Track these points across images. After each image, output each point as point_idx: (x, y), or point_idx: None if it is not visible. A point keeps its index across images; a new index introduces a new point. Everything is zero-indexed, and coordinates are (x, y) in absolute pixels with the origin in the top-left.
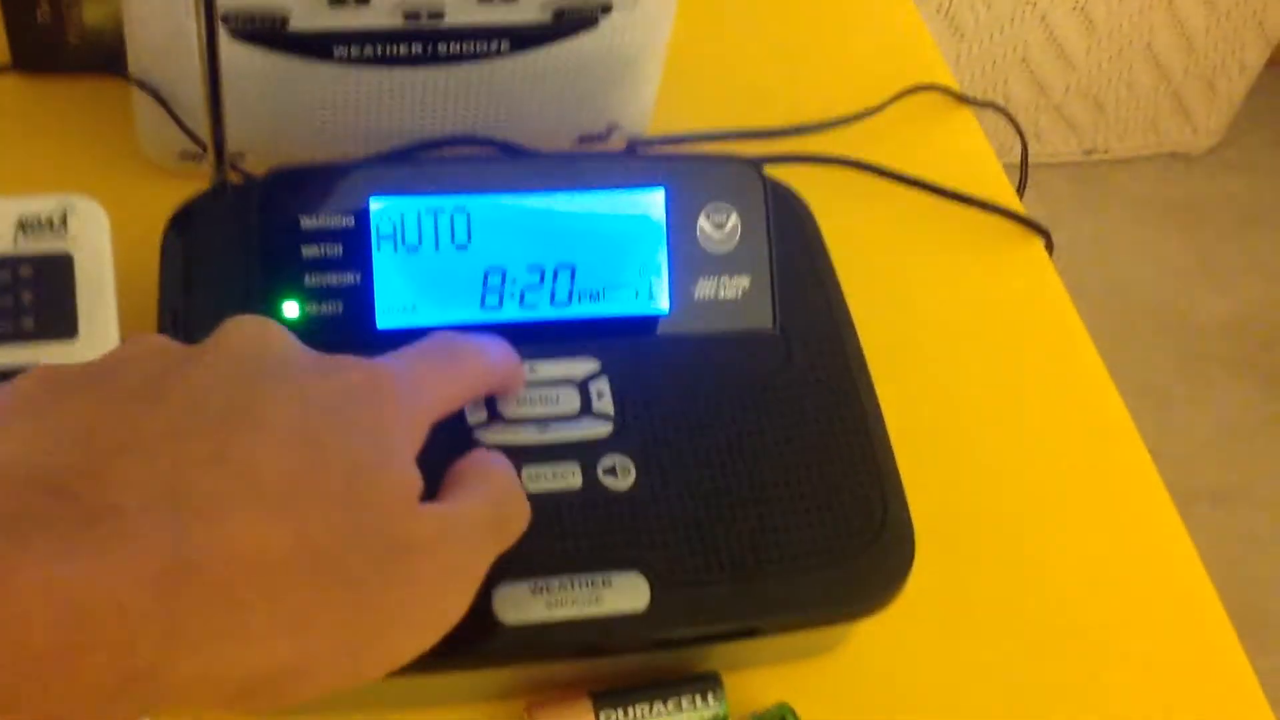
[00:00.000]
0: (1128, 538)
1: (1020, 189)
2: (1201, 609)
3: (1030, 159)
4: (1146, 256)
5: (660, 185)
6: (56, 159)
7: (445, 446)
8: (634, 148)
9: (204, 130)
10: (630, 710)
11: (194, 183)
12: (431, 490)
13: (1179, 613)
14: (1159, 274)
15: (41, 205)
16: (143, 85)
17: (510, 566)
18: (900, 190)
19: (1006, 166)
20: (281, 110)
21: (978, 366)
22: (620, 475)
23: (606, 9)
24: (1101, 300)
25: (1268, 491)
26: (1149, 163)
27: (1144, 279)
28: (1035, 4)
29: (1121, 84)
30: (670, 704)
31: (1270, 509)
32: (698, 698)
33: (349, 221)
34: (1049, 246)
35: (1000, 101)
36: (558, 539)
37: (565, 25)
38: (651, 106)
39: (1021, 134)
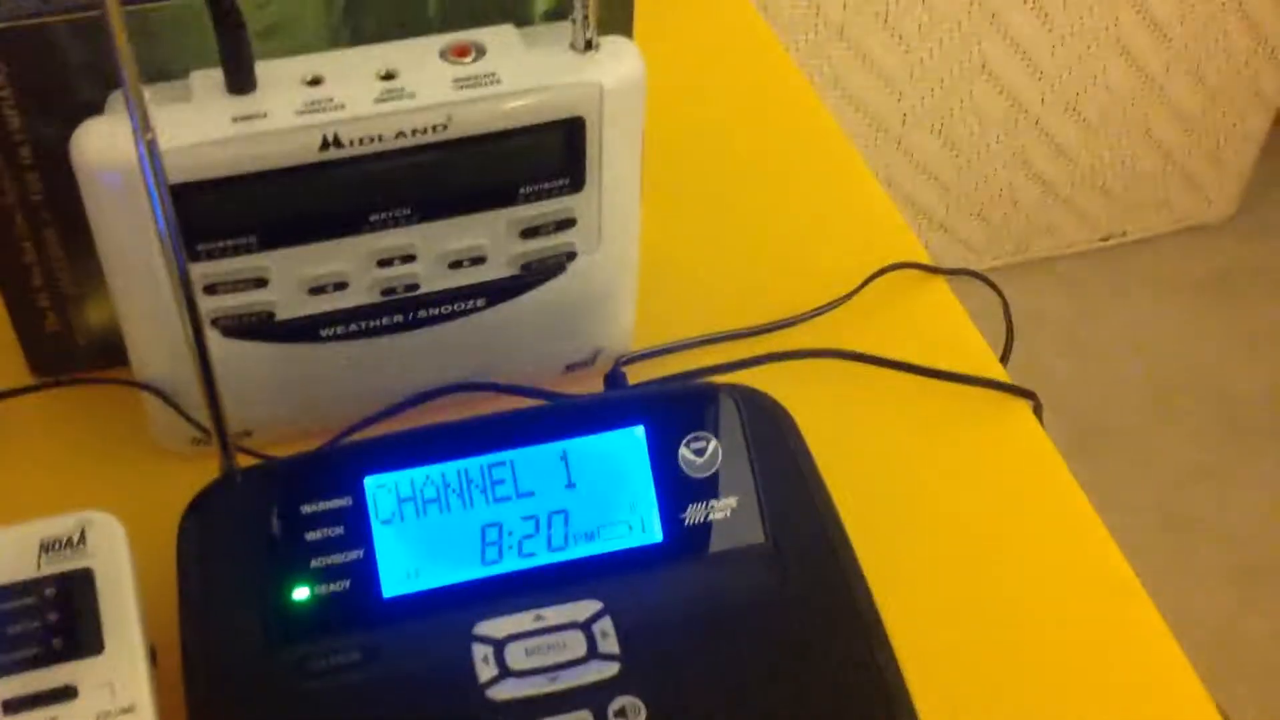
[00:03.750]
0: (1150, 709)
1: (1005, 354)
2: None
3: (1050, 251)
4: (1180, 333)
5: (638, 423)
6: (80, 459)
7: (459, 708)
8: (614, 378)
9: (207, 419)
10: None
11: (211, 464)
12: None
13: None
14: (1195, 349)
15: (61, 525)
16: (145, 386)
17: None
18: (882, 373)
19: (1026, 262)
20: (278, 390)
21: (975, 541)
22: (631, 716)
23: (571, 255)
24: (1142, 383)
25: None
26: (1169, 240)
27: (1181, 356)
28: (1027, 111)
29: (1126, 171)
30: None
31: None
32: None
33: (347, 501)
34: (1037, 410)
35: (973, 267)
36: None
37: (534, 276)
38: (631, 326)
39: (1002, 296)
